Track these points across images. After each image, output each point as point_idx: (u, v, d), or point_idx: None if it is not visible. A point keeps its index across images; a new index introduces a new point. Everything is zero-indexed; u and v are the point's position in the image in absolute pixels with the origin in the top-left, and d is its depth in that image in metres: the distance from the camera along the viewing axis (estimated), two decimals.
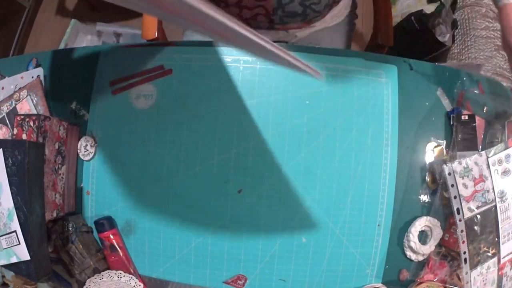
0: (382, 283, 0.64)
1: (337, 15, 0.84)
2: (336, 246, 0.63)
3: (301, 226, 0.62)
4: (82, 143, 0.65)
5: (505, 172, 0.61)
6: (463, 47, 1.30)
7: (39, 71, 0.68)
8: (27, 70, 0.70)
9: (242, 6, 0.75)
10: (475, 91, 0.69)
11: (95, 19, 1.59)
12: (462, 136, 0.65)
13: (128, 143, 0.64)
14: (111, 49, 0.67)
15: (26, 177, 0.50)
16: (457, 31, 1.35)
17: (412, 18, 1.30)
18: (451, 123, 0.66)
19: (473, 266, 0.60)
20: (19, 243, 0.51)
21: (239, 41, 0.35)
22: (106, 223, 0.61)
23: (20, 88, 0.67)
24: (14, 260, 0.52)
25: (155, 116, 0.64)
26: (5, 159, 0.51)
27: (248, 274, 0.63)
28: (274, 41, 0.55)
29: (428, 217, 0.63)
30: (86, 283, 0.60)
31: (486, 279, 0.61)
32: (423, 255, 0.64)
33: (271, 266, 0.63)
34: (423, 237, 0.64)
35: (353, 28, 0.94)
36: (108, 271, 0.61)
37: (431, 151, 0.66)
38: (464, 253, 0.59)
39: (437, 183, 0.64)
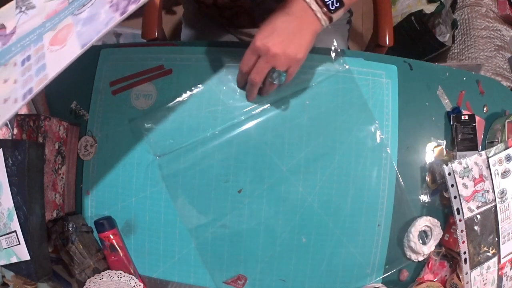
0: (382, 283, 0.64)
1: None
2: (336, 246, 0.63)
3: (301, 226, 0.63)
4: (82, 143, 0.65)
5: (505, 172, 0.61)
6: (463, 47, 1.30)
7: None
8: None
9: (220, 7, 0.75)
10: (475, 91, 0.70)
11: None
12: (462, 136, 0.65)
13: (128, 143, 0.64)
14: (111, 49, 0.67)
15: (26, 177, 0.50)
16: (457, 31, 1.35)
17: (412, 18, 1.30)
18: (451, 123, 0.66)
19: (473, 266, 0.60)
20: (19, 243, 0.51)
21: None
22: (106, 223, 0.61)
23: None
24: (14, 260, 0.52)
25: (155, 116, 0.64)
26: (5, 159, 0.51)
27: (248, 274, 0.63)
28: None
29: (428, 217, 0.63)
30: (86, 283, 0.60)
31: (486, 279, 0.61)
32: (423, 255, 0.64)
33: (271, 266, 0.63)
34: (423, 237, 0.64)
35: (351, 26, 0.94)
36: (108, 271, 0.61)
37: (431, 151, 0.66)
38: (464, 253, 0.59)
39: (437, 183, 0.64)
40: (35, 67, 0.58)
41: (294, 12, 0.51)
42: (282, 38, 0.50)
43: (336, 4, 0.51)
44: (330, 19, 0.52)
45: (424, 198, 0.65)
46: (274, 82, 0.55)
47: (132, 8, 0.55)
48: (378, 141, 0.64)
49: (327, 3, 0.50)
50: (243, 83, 0.60)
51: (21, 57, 0.60)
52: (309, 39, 0.52)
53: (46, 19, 0.62)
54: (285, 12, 0.51)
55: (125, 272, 0.61)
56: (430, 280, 0.63)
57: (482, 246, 0.60)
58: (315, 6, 0.50)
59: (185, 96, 0.63)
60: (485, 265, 0.61)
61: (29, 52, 0.60)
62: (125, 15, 0.55)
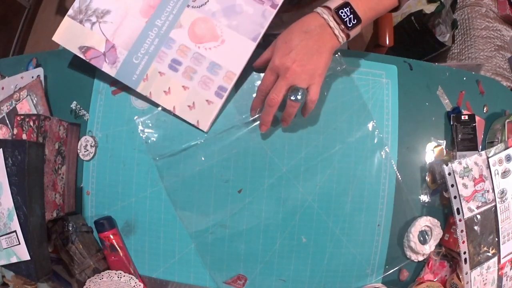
0: (382, 283, 0.64)
1: None
2: (336, 246, 0.63)
3: (301, 226, 0.63)
4: (82, 143, 0.65)
5: (505, 172, 0.61)
6: (463, 47, 1.31)
7: (39, 71, 0.68)
8: (27, 70, 0.70)
9: None
10: (475, 91, 0.70)
11: None
12: (462, 136, 0.65)
13: (128, 143, 0.64)
14: None
15: (26, 177, 0.50)
16: (457, 31, 1.35)
17: (412, 18, 1.31)
18: (451, 123, 0.66)
19: (473, 266, 0.60)
20: (19, 243, 0.51)
21: None
22: (106, 223, 0.61)
23: (20, 88, 0.67)
24: (14, 260, 0.52)
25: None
26: (5, 159, 0.51)
27: (248, 274, 0.63)
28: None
29: (428, 217, 0.63)
30: (86, 283, 0.60)
31: (486, 279, 0.61)
32: (423, 255, 0.64)
33: (271, 266, 0.63)
34: (423, 237, 0.64)
35: None
36: (108, 271, 0.61)
37: (431, 151, 0.66)
38: (464, 253, 0.59)
39: (437, 183, 0.64)
40: (200, 67, 0.60)
41: (312, 30, 0.51)
42: (300, 56, 0.50)
43: (354, 20, 0.51)
44: (348, 36, 0.52)
45: (424, 198, 0.65)
46: (292, 98, 0.53)
47: (280, 1, 0.59)
48: (378, 141, 0.64)
49: (345, 20, 0.51)
50: (261, 106, 0.58)
51: (161, 64, 0.61)
52: (327, 56, 0.52)
53: (149, 18, 0.62)
54: (303, 29, 0.51)
55: (125, 272, 0.61)
56: (430, 280, 0.63)
57: (482, 246, 0.60)
58: (333, 24, 0.51)
59: None
60: (485, 265, 0.61)
61: (167, 56, 0.61)
62: (277, 7, 0.59)
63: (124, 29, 0.61)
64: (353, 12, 0.51)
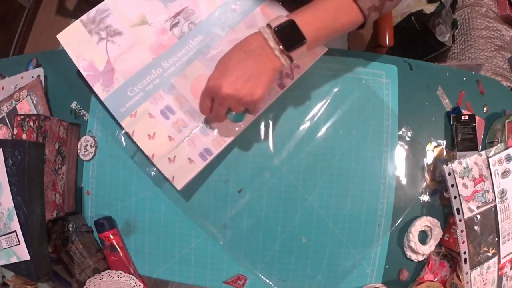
0: (382, 283, 0.64)
1: None
2: (336, 246, 0.63)
3: (301, 226, 0.63)
4: (82, 143, 0.65)
5: (505, 172, 0.61)
6: (463, 47, 1.30)
7: (39, 71, 0.68)
8: (27, 70, 0.70)
9: None
10: (475, 91, 0.70)
11: None
12: (462, 136, 0.65)
13: (128, 144, 0.64)
14: None
15: (26, 177, 0.50)
16: (457, 31, 1.35)
17: (412, 18, 1.30)
18: (451, 123, 0.66)
19: (473, 266, 0.60)
20: (19, 243, 0.51)
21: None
22: (106, 223, 0.61)
23: (20, 88, 0.67)
24: (14, 260, 0.52)
25: None
26: (5, 159, 0.51)
27: (248, 274, 0.63)
28: None
29: (428, 217, 0.63)
30: (86, 283, 0.60)
31: (486, 279, 0.61)
32: (423, 255, 0.64)
33: (271, 266, 0.63)
34: (423, 237, 0.64)
35: None
36: (108, 271, 0.61)
37: (431, 151, 0.66)
38: (464, 253, 0.59)
39: (437, 183, 0.64)
40: (192, 123, 0.57)
41: (252, 50, 0.47)
42: (234, 78, 0.46)
43: (296, 41, 0.46)
44: (291, 58, 0.48)
45: (424, 198, 0.65)
46: (229, 118, 0.52)
47: (289, 83, 0.59)
48: (378, 141, 0.64)
49: (285, 40, 0.46)
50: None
51: (154, 107, 0.58)
52: (267, 79, 0.47)
53: (157, 56, 0.59)
54: (243, 49, 0.47)
55: (125, 272, 0.61)
56: (430, 280, 0.63)
57: (482, 246, 0.60)
58: (273, 44, 0.46)
59: None
60: (485, 265, 0.61)
61: (163, 100, 0.58)
62: (284, 89, 0.59)
63: (129, 57, 0.59)
64: (296, 31, 0.46)
